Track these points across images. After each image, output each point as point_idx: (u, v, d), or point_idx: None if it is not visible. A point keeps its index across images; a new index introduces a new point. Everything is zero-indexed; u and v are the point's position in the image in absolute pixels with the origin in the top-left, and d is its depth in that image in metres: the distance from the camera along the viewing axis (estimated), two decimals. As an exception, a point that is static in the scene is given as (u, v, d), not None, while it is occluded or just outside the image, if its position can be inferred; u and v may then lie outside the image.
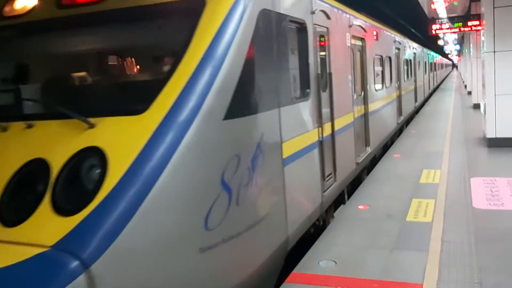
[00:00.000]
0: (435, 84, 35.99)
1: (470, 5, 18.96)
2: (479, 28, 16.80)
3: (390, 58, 12.12)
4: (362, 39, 8.84)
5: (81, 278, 2.60)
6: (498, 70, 10.60)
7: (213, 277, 3.51)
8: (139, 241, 2.91)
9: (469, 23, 17.27)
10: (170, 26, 3.98)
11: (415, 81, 18.45)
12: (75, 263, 2.61)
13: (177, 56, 3.61)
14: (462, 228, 5.74)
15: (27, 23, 4.38)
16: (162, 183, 3.05)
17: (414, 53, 18.32)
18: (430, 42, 39.54)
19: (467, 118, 16.62)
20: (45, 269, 2.62)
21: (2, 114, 3.98)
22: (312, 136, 5.58)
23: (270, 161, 4.37)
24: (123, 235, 2.81)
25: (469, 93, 23.95)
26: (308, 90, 5.51)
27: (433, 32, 19.08)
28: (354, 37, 8.09)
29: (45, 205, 3.01)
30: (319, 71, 5.90)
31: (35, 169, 3.25)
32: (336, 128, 6.55)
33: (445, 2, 17.19)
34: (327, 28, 6.36)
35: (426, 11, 21.29)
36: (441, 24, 18.70)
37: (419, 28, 38.53)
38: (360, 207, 6.87)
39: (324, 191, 5.95)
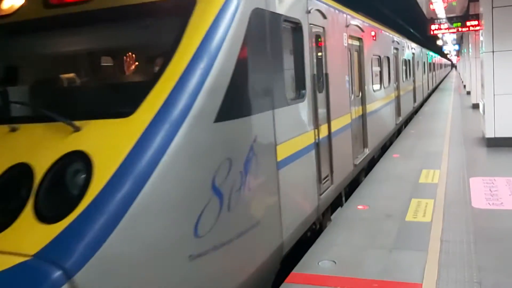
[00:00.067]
0: (434, 84, 36.01)
1: (468, 5, 18.99)
2: (478, 28, 16.85)
3: (388, 58, 12.06)
4: (359, 39, 8.77)
5: None
6: (497, 70, 10.61)
7: (203, 286, 3.38)
8: (125, 249, 2.80)
9: (468, 23, 17.27)
10: (159, 26, 3.88)
11: (414, 81, 18.45)
12: (57, 273, 2.51)
13: (166, 57, 3.51)
14: (462, 228, 5.74)
15: (14, 23, 4.27)
16: (150, 189, 2.94)
17: (413, 53, 18.32)
18: (429, 42, 39.59)
19: (466, 118, 16.64)
20: (27, 279, 2.52)
21: None
22: (308, 138, 5.48)
23: (264, 165, 4.27)
24: (108, 243, 2.70)
25: (468, 93, 23.99)
26: (303, 91, 5.42)
27: (432, 32, 19.08)
28: (351, 37, 8.00)
29: (28, 212, 2.89)
30: (315, 72, 5.81)
31: (18, 174, 3.13)
32: (333, 129, 6.45)
33: (443, 2, 17.20)
34: (323, 28, 6.28)
35: (424, 11, 21.31)
36: (439, 24, 18.70)
37: (418, 28, 38.57)
38: (360, 207, 6.87)
39: (321, 194, 5.86)
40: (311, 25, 5.75)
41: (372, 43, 9.93)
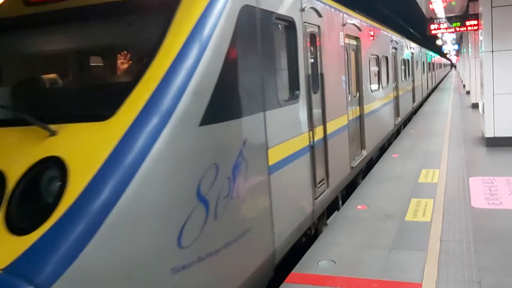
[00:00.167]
0: (434, 84, 36.00)
1: (468, 5, 18.99)
2: (475, 28, 16.87)
3: (386, 58, 11.95)
4: (356, 38, 8.61)
5: None
6: (496, 69, 10.62)
7: None
8: (101, 263, 2.62)
9: (467, 23, 17.28)
10: (142, 24, 3.70)
11: (413, 81, 18.39)
12: None
13: (148, 56, 3.32)
14: (461, 227, 5.74)
15: None
16: (128, 197, 2.76)
17: (412, 53, 18.28)
18: (429, 42, 39.60)
19: (466, 117, 16.64)
20: None
21: None
22: (302, 141, 5.30)
23: (254, 169, 4.09)
24: (83, 256, 2.52)
25: (468, 92, 24.00)
26: (297, 92, 5.24)
27: (431, 32, 19.09)
28: (348, 36, 7.85)
29: None
30: (310, 72, 5.63)
31: None
32: (329, 131, 6.28)
33: (443, 2, 17.20)
34: (318, 26, 6.11)
35: (424, 11, 21.33)
36: (439, 24, 18.70)
37: (417, 28, 38.60)
38: (359, 207, 6.87)
39: (316, 199, 5.69)
40: (306, 24, 5.59)
41: (370, 43, 9.80)
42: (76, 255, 2.51)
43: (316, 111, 5.83)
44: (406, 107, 15.85)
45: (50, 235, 2.55)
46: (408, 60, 16.75)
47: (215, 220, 3.40)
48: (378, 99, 10.59)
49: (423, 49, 25.77)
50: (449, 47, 51.02)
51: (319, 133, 5.91)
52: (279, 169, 4.58)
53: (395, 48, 13.61)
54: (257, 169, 4.17)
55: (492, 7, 10.49)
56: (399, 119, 14.01)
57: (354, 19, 8.44)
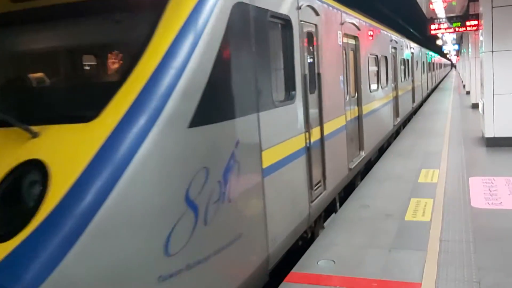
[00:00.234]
0: (434, 84, 35.99)
1: (468, 5, 18.99)
2: (475, 28, 16.88)
3: (386, 58, 11.85)
4: (355, 38, 8.49)
5: None
6: (497, 69, 10.62)
7: None
8: (83, 271, 2.49)
9: (468, 23, 17.29)
10: (130, 21, 3.55)
11: (413, 81, 18.34)
12: None
13: (135, 55, 3.19)
14: (461, 227, 5.75)
15: None
16: (113, 202, 2.64)
17: (412, 53, 18.25)
18: (429, 42, 39.60)
19: (466, 117, 16.64)
20: None
21: None
22: (298, 142, 5.16)
23: (247, 173, 3.95)
24: (64, 264, 2.40)
25: (468, 92, 24.00)
26: (293, 92, 5.10)
27: (432, 32, 19.09)
28: (346, 35, 7.72)
29: None
30: (307, 72, 5.49)
31: None
32: (326, 132, 6.13)
33: (443, 2, 17.20)
34: (315, 25, 5.96)
35: (424, 11, 21.33)
36: (439, 24, 18.70)
37: (417, 28, 38.58)
38: (359, 206, 6.87)
39: (312, 202, 5.55)
40: (302, 22, 5.44)
41: (368, 42, 9.69)
42: (57, 263, 2.39)
43: (313, 112, 5.71)
44: (405, 107, 15.78)
45: (29, 242, 2.44)
46: (408, 60, 16.71)
47: (205, 226, 3.27)
48: (377, 99, 10.49)
49: (423, 49, 25.75)
50: (449, 47, 51.02)
51: (315, 134, 5.78)
52: (273, 171, 4.46)
53: (395, 48, 13.55)
54: (250, 172, 4.04)
55: (492, 7, 10.49)
56: (399, 119, 13.93)
57: (353, 18, 8.30)
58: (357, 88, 8.57)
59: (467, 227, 5.76)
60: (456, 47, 47.27)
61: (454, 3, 18.24)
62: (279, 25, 4.95)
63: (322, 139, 6.00)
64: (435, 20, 19.02)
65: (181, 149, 3.14)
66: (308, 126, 5.45)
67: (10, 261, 2.39)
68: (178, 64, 3.18)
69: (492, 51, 10.62)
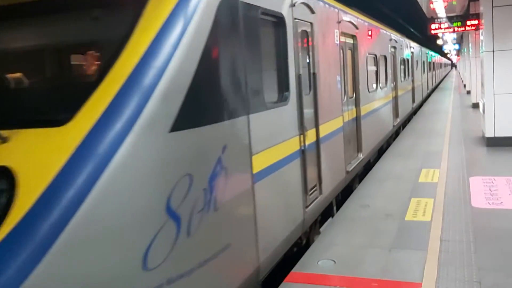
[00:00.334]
0: (434, 84, 35.97)
1: (469, 5, 18.99)
2: (474, 28, 16.88)
3: (385, 57, 11.72)
4: (353, 37, 8.29)
5: None
6: (497, 69, 10.61)
7: None
8: None
9: (468, 23, 17.29)
10: (108, 18, 3.33)
11: (413, 81, 18.27)
12: None
13: (113, 54, 2.98)
14: (461, 227, 5.74)
15: None
16: (85, 213, 2.45)
17: (412, 52, 18.19)
18: (429, 42, 39.61)
19: (466, 117, 16.64)
20: None
21: None
22: (292, 145, 4.96)
23: (235, 179, 3.74)
24: (30, 282, 2.21)
25: (468, 92, 24.00)
26: (287, 93, 4.90)
27: (432, 31, 19.09)
28: (344, 34, 7.52)
29: None
30: (301, 72, 5.26)
31: None
32: (322, 134, 5.92)
33: (444, 1, 17.20)
34: (310, 23, 5.75)
35: (425, 11, 21.33)
36: (440, 23, 18.71)
37: (418, 27, 38.61)
38: (359, 206, 6.86)
39: (307, 207, 5.34)
40: (297, 20, 5.23)
41: (367, 41, 9.52)
42: (22, 281, 2.20)
43: (308, 113, 5.50)
44: (405, 107, 15.70)
45: None
46: (407, 59, 16.63)
47: (188, 237, 3.07)
48: (376, 99, 10.33)
49: (423, 49, 25.72)
50: (450, 47, 51.00)
51: (311, 137, 5.57)
52: (265, 177, 4.26)
53: (394, 47, 13.45)
54: (239, 178, 3.83)
55: (493, 6, 10.49)
56: (398, 120, 13.82)
57: (351, 16, 8.10)
58: (355, 88, 8.41)
59: (468, 227, 5.75)
60: (457, 46, 47.27)
61: (454, 2, 18.24)
62: (272, 23, 4.76)
63: (317, 142, 5.81)
64: (436, 20, 19.04)
65: (161, 155, 2.94)
66: (302, 128, 5.26)
67: None
68: (159, 64, 2.99)
69: (493, 51, 10.61)
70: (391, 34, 13.25)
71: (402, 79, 15.04)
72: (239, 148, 3.86)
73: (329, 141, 6.32)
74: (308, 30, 5.72)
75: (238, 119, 3.82)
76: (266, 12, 4.47)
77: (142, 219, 2.75)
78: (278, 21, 4.82)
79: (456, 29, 17.89)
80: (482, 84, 11.43)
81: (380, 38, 11.32)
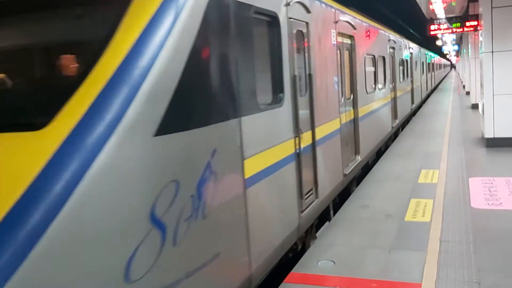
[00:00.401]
0: (433, 85, 35.98)
1: (468, 6, 19.02)
2: (472, 29, 16.90)
3: (383, 58, 11.63)
4: (351, 37, 8.16)
5: None
6: (496, 70, 10.62)
7: None
8: None
9: (467, 24, 17.31)
10: (90, 16, 3.20)
11: (412, 82, 18.25)
12: None
13: (96, 54, 2.84)
14: (461, 228, 5.74)
15: None
16: (62, 223, 2.30)
17: (411, 53, 18.16)
18: (429, 43, 39.65)
19: (466, 118, 16.65)
20: None
21: None
22: (286, 149, 4.82)
23: (226, 184, 3.60)
24: None
25: (468, 93, 24.03)
26: (281, 95, 4.77)
27: (431, 32, 19.11)
28: (341, 34, 7.38)
29: None
30: (296, 73, 5.12)
31: None
32: (318, 137, 5.78)
33: (443, 2, 17.23)
34: (306, 23, 5.60)
35: (424, 12, 21.35)
36: (439, 24, 18.73)
37: (417, 28, 38.66)
38: (359, 207, 6.86)
39: (302, 211, 5.20)
40: (292, 20, 5.08)
41: (365, 42, 9.43)
42: None
43: (303, 115, 5.37)
44: (404, 108, 15.63)
45: None
46: (406, 60, 16.59)
47: (173, 247, 2.93)
48: (374, 101, 10.21)
49: (423, 49, 25.72)
50: (449, 48, 51.08)
51: (306, 139, 5.43)
52: (257, 181, 4.12)
53: (393, 48, 13.37)
54: (229, 184, 3.68)
55: (492, 7, 10.50)
56: (397, 121, 13.73)
57: (348, 16, 7.98)
58: (353, 89, 8.24)
59: (467, 227, 5.75)
60: (456, 47, 47.35)
61: (453, 3, 18.27)
62: (265, 22, 4.63)
63: (313, 144, 5.67)
64: (435, 21, 19.06)
65: (145, 160, 2.79)
66: (298, 131, 5.12)
67: None
68: (143, 64, 2.85)
69: (492, 52, 10.62)
70: (390, 35, 13.18)
71: (401, 80, 14.99)
72: (230, 152, 3.72)
73: (325, 143, 6.19)
74: (304, 30, 5.59)
75: (229, 122, 3.69)
76: (259, 11, 4.35)
77: (124, 229, 2.61)
78: (272, 20, 4.69)
79: (455, 30, 17.92)
80: (482, 85, 11.44)
81: (379, 39, 11.24)
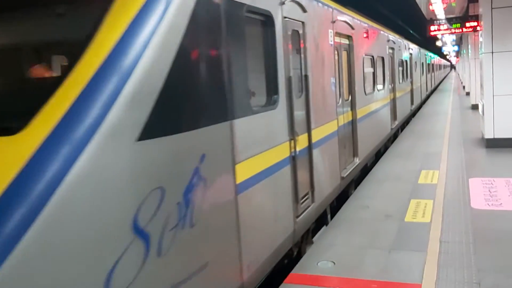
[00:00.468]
0: (433, 86, 35.97)
1: (468, 6, 19.03)
2: (471, 30, 16.90)
3: (382, 59, 11.54)
4: (349, 37, 8.03)
5: None
6: (496, 70, 10.63)
7: None
8: None
9: (467, 24, 17.33)
10: (74, 14, 3.06)
11: (412, 82, 18.22)
12: None
13: (76, 54, 2.69)
14: (461, 229, 5.74)
15: None
16: (37, 233, 2.16)
17: (411, 54, 18.12)
18: (429, 43, 39.67)
19: (466, 119, 16.65)
20: None
21: None
22: (281, 152, 4.68)
23: (216, 190, 3.45)
24: None
25: (468, 94, 24.04)
26: (275, 97, 4.63)
27: (431, 33, 19.12)
28: (339, 34, 7.26)
29: None
30: (292, 74, 4.98)
31: None
32: (314, 139, 5.62)
33: (443, 3, 17.23)
34: (302, 22, 5.45)
35: (424, 12, 21.36)
36: (439, 25, 18.73)
37: (417, 29, 38.67)
38: (359, 207, 6.86)
39: (298, 216, 5.04)
40: (287, 19, 4.94)
41: (364, 42, 9.32)
42: None
43: (299, 117, 5.22)
44: (403, 109, 15.56)
45: None
46: (406, 61, 16.55)
47: (158, 257, 2.78)
48: (373, 102, 10.10)
49: (422, 50, 25.72)
50: (449, 48, 51.09)
51: (302, 142, 5.27)
52: (250, 187, 3.96)
53: (392, 48, 13.30)
54: (219, 190, 3.53)
55: (492, 8, 10.51)
56: (396, 122, 13.65)
57: (346, 16, 7.83)
58: (351, 90, 8.11)
59: (467, 228, 5.75)
60: (456, 48, 47.37)
61: (453, 4, 18.27)
62: (259, 21, 4.49)
63: (310, 147, 5.51)
64: (435, 21, 19.06)
65: (127, 167, 2.64)
66: (293, 133, 4.97)
67: None
68: (126, 65, 2.70)
69: (492, 52, 10.62)
70: (389, 35, 13.10)
71: (401, 80, 14.95)
72: (221, 156, 3.56)
73: (322, 146, 6.05)
74: (300, 30, 5.45)
75: (219, 125, 3.53)
76: (252, 10, 4.19)
77: (104, 239, 2.46)
78: (266, 19, 4.56)
79: (455, 30, 17.93)
80: (481, 86, 11.45)
81: (378, 39, 11.14)
